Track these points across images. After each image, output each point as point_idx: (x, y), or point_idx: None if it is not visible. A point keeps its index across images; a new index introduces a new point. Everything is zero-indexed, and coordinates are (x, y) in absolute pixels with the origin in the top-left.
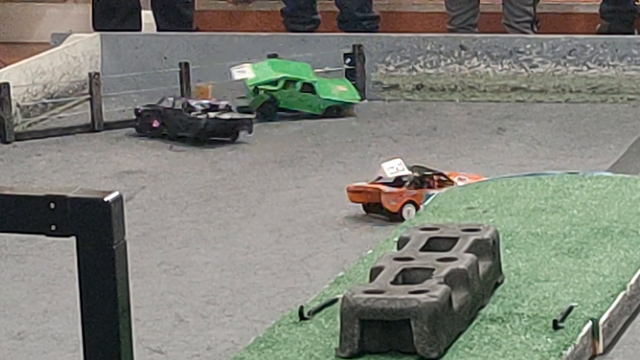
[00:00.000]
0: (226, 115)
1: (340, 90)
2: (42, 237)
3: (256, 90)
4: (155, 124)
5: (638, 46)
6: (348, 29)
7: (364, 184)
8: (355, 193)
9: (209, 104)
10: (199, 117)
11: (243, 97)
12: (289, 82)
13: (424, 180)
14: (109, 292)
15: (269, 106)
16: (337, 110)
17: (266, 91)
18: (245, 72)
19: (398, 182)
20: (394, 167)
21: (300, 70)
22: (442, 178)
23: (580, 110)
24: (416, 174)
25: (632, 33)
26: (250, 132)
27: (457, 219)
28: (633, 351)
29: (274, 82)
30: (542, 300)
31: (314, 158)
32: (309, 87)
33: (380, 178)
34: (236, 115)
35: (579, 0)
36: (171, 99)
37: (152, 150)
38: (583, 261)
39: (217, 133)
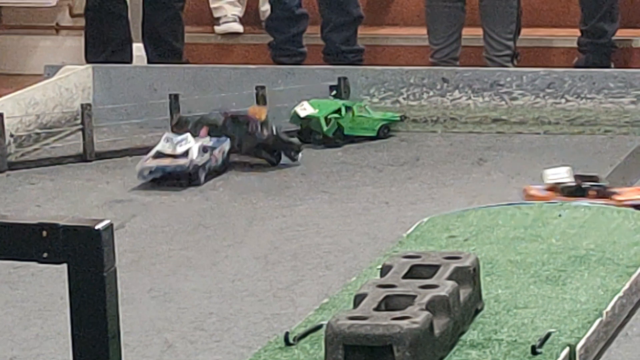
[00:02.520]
0: (284, 136)
1: (377, 112)
2: (35, 264)
3: (327, 120)
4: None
5: (614, 79)
6: (333, 62)
7: (539, 186)
8: (526, 196)
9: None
10: (263, 132)
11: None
12: (347, 108)
13: (582, 190)
14: (99, 317)
15: (338, 134)
16: (387, 129)
17: (335, 120)
18: (307, 109)
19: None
20: (557, 174)
21: (341, 102)
22: (605, 192)
23: (559, 142)
24: (573, 183)
25: (609, 66)
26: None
27: (439, 247)
28: None
29: (338, 110)
30: (521, 326)
31: (299, 188)
32: (362, 110)
33: (560, 184)
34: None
35: (557, 34)
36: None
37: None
38: (561, 288)
39: (271, 149)
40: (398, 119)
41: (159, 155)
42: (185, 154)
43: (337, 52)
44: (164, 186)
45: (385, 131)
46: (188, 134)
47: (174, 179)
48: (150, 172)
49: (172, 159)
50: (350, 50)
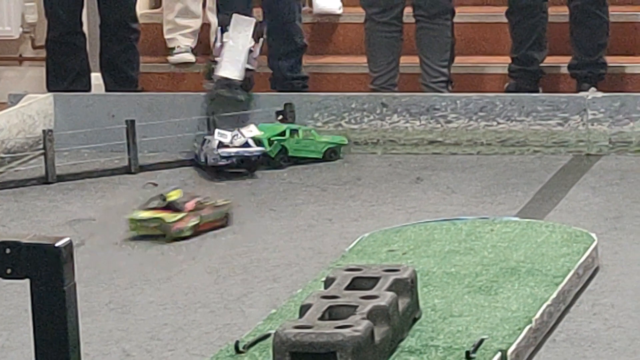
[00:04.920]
0: None
1: (327, 135)
2: None
3: (271, 141)
4: None
5: (542, 103)
6: (280, 89)
7: None
8: None
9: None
10: None
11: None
12: (293, 131)
13: None
14: (60, 329)
15: (281, 155)
16: (332, 152)
17: (279, 141)
18: (253, 131)
19: None
20: None
21: (286, 125)
22: None
23: (491, 161)
24: None
25: (537, 91)
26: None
27: (379, 260)
28: None
29: (283, 133)
30: (456, 333)
31: (248, 206)
32: (308, 134)
33: None
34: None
35: (489, 62)
36: None
37: (101, 201)
38: (493, 298)
39: None
40: (345, 142)
41: (224, 146)
42: (246, 144)
43: (284, 79)
44: (122, 205)
45: (331, 154)
46: (236, 130)
47: (245, 165)
48: (229, 157)
49: (239, 149)
50: (296, 77)
